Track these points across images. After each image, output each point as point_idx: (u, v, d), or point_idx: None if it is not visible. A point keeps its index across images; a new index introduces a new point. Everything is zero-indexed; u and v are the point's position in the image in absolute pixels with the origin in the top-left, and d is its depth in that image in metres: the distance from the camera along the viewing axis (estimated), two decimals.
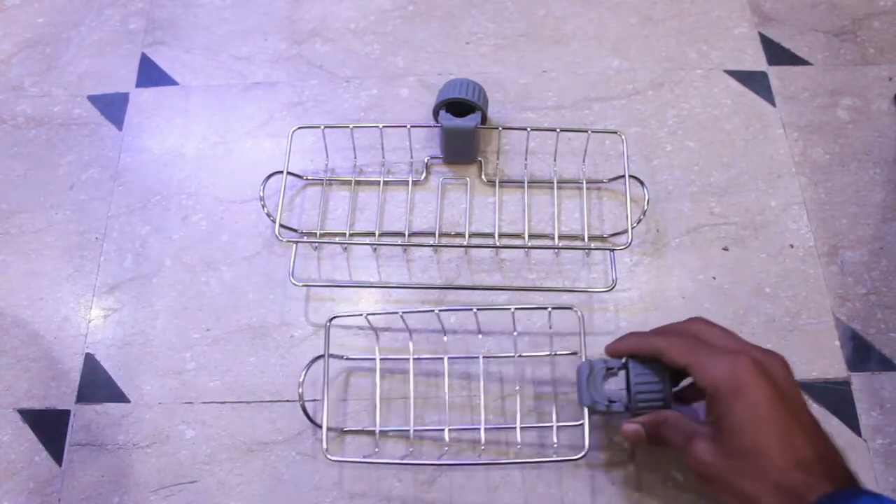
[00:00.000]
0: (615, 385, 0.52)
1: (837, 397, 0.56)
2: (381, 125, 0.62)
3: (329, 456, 0.49)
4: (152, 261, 0.64)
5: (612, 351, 0.47)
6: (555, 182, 0.65)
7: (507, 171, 0.66)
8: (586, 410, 0.47)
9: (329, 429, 0.53)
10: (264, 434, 0.56)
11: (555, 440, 0.53)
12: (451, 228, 0.64)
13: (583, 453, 0.47)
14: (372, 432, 0.55)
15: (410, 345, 0.57)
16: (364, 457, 0.52)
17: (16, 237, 0.66)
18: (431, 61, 0.73)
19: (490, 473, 0.54)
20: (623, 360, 0.46)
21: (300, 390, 0.51)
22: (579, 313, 0.52)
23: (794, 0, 0.75)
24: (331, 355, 0.53)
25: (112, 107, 0.72)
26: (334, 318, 0.54)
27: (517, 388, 0.55)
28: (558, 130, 0.62)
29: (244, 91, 0.72)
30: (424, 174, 0.66)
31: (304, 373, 0.52)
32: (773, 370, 0.39)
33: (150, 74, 0.74)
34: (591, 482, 0.53)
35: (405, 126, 0.63)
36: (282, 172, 0.61)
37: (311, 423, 0.53)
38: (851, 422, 0.55)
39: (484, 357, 0.56)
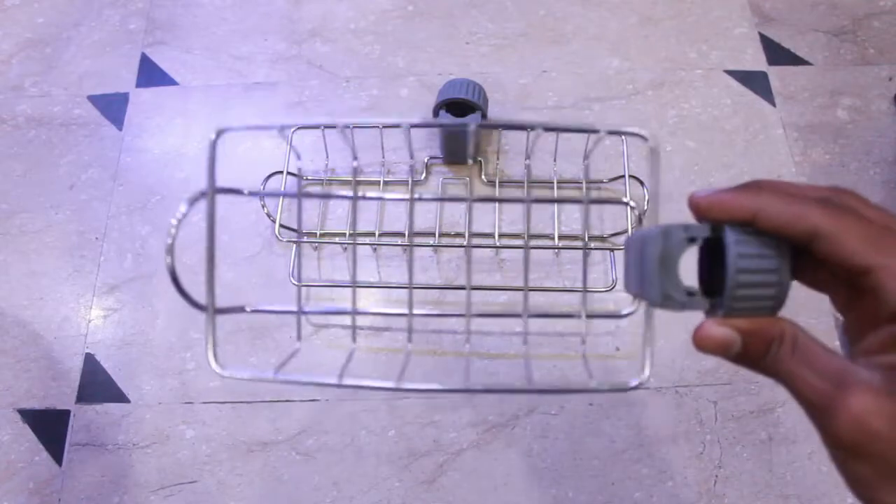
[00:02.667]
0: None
1: None
2: (381, 125, 0.62)
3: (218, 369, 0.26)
4: (152, 261, 0.64)
5: (707, 206, 0.26)
6: (555, 182, 0.65)
7: (507, 171, 0.66)
8: (644, 307, 0.27)
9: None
10: (264, 434, 0.56)
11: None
12: (451, 228, 0.64)
13: (644, 377, 0.26)
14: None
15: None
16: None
17: (16, 237, 0.66)
18: (431, 61, 0.73)
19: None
20: (709, 226, 0.26)
21: (169, 240, 0.26)
22: (647, 139, 0.28)
23: (794, 0, 0.75)
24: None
25: (112, 107, 0.72)
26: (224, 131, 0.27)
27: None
28: (558, 130, 0.62)
29: (244, 91, 0.72)
30: (424, 174, 0.66)
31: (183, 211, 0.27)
32: None
33: (150, 74, 0.74)
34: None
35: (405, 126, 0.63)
36: (282, 172, 0.61)
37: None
38: None
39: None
